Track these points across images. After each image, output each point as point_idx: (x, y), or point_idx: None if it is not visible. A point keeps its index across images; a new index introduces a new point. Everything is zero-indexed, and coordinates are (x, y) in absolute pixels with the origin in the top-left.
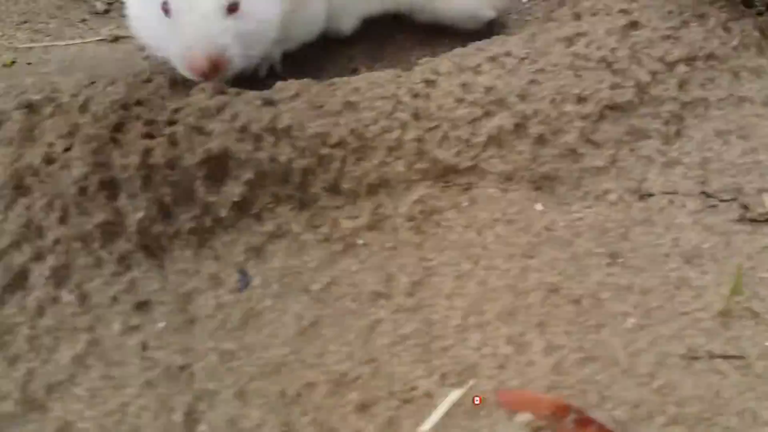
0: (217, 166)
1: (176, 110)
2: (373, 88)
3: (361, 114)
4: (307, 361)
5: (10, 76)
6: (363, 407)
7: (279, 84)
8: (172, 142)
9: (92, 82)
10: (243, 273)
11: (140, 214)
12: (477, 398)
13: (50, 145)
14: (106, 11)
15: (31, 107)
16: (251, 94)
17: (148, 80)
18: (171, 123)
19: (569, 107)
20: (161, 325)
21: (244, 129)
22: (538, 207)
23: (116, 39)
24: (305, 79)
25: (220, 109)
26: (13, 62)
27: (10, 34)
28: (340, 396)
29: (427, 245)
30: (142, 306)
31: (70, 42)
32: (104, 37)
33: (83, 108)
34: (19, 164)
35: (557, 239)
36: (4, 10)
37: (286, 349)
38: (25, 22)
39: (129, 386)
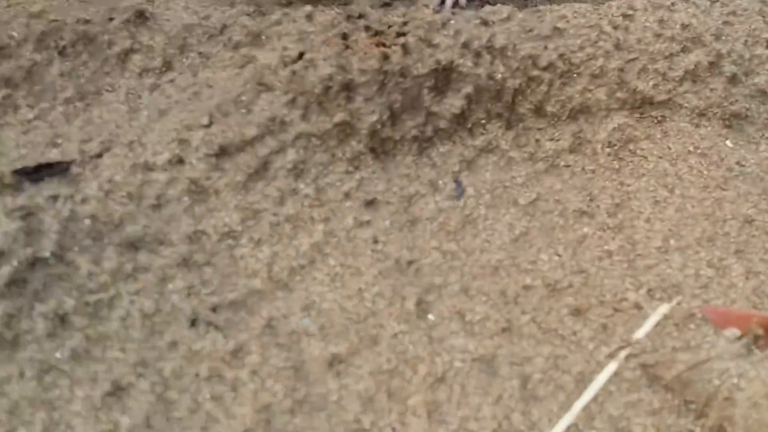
0: (443, 78)
1: (404, 23)
2: (577, 17)
3: (569, 40)
4: (522, 266)
5: None
6: (578, 312)
7: (489, 7)
8: (406, 51)
9: (290, 2)
10: (458, 183)
11: (374, 117)
12: None
13: (285, 48)
14: None
15: (251, 15)
16: (469, 14)
17: (348, 2)
18: (400, 35)
19: (760, 50)
20: (387, 222)
21: (466, 45)
22: (728, 143)
23: None
24: (509, 5)
25: (444, 25)
26: None
27: None
28: (556, 300)
29: (624, 171)
30: (370, 204)
31: None
32: None
33: (309, 17)
34: (254, 64)
35: (749, 175)
36: None
37: (502, 254)
38: None
39: (364, 274)
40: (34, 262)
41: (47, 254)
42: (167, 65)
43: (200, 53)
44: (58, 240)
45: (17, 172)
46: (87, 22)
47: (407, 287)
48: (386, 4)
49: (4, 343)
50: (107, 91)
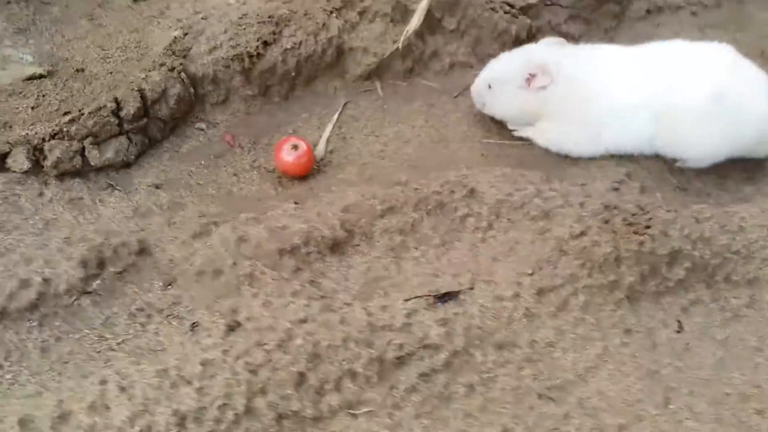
0: (671, 257)
1: (649, 219)
2: (755, 218)
3: (749, 234)
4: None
5: None
6: None
7: (696, 206)
8: (653, 239)
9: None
10: (679, 322)
11: (632, 279)
12: None
13: (571, 227)
14: None
15: (539, 196)
16: (687, 213)
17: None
18: (647, 227)
19: None
20: (638, 344)
21: (687, 236)
22: None
23: None
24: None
25: (673, 222)
26: None
27: None
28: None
29: None
30: (627, 331)
31: None
32: None
33: (582, 205)
34: (550, 234)
35: None
36: None
37: (708, 372)
38: None
39: (630, 377)
40: (455, 354)
41: (459, 349)
42: (489, 226)
43: (509, 219)
44: (464, 342)
45: (436, 297)
46: (439, 193)
47: (655, 386)
48: (615, 189)
49: None
50: (457, 241)
